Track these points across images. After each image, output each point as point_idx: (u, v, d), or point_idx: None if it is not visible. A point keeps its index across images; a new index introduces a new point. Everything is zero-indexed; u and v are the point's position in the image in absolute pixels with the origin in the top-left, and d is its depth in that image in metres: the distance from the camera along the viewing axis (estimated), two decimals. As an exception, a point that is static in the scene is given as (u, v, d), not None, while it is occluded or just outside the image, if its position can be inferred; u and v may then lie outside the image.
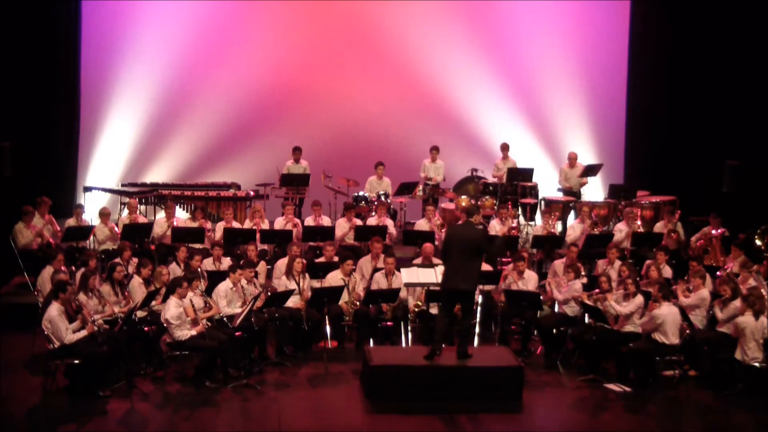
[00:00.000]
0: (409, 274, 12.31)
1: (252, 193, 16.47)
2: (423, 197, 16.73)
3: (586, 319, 12.25)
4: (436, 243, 14.13)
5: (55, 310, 10.57)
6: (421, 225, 14.96)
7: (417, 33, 18.35)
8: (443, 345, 11.16)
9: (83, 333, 10.65)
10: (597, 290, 11.98)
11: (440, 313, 11.32)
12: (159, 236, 14.54)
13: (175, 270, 12.66)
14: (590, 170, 17.13)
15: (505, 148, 17.50)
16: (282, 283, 12.51)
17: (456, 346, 11.25)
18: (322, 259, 13.34)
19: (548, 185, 17.68)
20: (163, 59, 17.82)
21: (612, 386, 11.43)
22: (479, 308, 12.67)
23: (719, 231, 14.59)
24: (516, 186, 16.75)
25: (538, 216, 16.68)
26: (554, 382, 11.74)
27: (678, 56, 18.17)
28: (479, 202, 16.40)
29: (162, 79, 17.87)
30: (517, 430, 10.40)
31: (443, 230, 14.67)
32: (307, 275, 12.64)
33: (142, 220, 14.99)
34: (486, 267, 13.24)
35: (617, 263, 13.03)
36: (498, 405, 10.79)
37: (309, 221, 14.80)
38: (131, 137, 17.92)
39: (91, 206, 16.05)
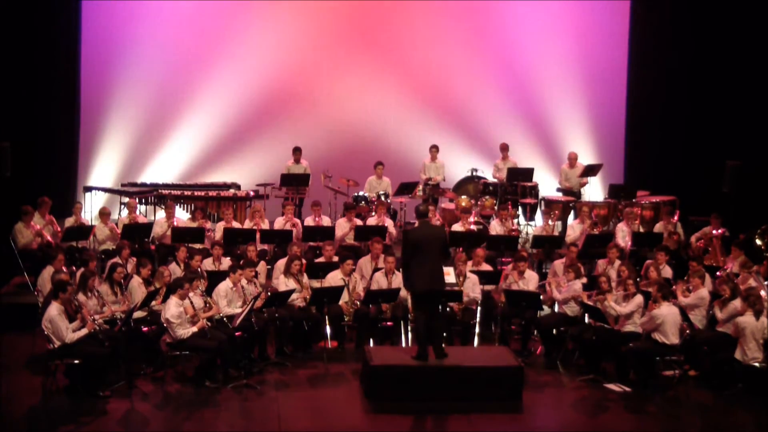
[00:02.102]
0: (409, 274, 12.31)
1: (252, 193, 16.46)
2: (423, 197, 16.73)
3: (586, 319, 12.25)
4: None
5: (55, 309, 10.57)
6: (421, 225, 14.93)
7: (417, 33, 18.36)
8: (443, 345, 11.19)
9: (84, 331, 10.65)
10: (596, 291, 11.97)
11: (420, 315, 11.10)
12: (159, 236, 14.55)
13: (175, 270, 12.66)
14: (590, 170, 17.13)
15: (505, 148, 17.50)
16: (281, 282, 12.51)
17: (439, 346, 11.14)
18: (321, 259, 13.34)
19: (548, 185, 17.68)
20: (163, 59, 17.81)
21: (612, 386, 11.43)
22: (479, 308, 12.68)
23: (719, 231, 14.60)
24: (516, 186, 16.75)
25: (538, 216, 16.69)
26: (554, 382, 11.74)
27: (678, 56, 18.17)
28: (479, 202, 16.42)
29: (162, 79, 17.86)
30: (517, 430, 10.40)
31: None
32: (305, 275, 12.63)
33: (142, 220, 14.99)
34: (486, 267, 13.30)
35: (617, 263, 13.03)
36: (498, 405, 10.78)
37: (309, 221, 14.80)
38: (131, 137, 17.91)
39: (91, 206, 16.05)
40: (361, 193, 16.39)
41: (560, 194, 17.17)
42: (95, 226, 14.48)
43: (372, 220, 15.12)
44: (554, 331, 12.43)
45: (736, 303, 11.54)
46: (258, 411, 10.59)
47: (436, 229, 11.41)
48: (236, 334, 11.37)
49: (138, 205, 15.42)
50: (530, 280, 12.85)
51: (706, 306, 12.02)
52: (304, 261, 12.82)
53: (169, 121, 18.01)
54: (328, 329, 12.27)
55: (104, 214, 14.49)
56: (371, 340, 12.40)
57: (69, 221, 14.42)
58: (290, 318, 12.19)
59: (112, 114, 17.84)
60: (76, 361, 10.61)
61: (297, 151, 17.01)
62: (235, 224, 14.84)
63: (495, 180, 17.24)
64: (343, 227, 14.73)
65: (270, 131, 18.16)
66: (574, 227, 15.06)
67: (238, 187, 16.73)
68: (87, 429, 10.00)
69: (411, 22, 18.35)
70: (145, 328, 11.62)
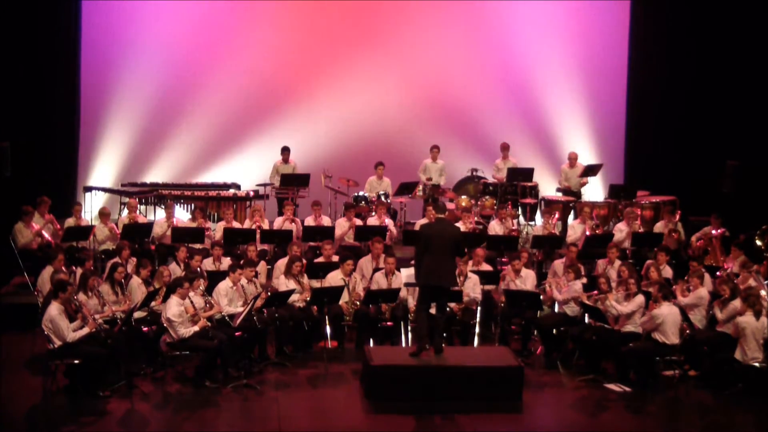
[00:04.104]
0: (409, 274, 12.32)
1: (252, 193, 16.47)
2: (423, 197, 16.73)
3: (586, 319, 12.25)
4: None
5: (55, 309, 10.57)
6: (421, 225, 14.95)
7: (417, 33, 18.35)
8: (443, 344, 11.22)
9: (85, 330, 10.67)
10: (596, 291, 11.97)
11: (421, 310, 11.17)
12: (159, 236, 14.55)
13: (175, 270, 12.66)
14: (590, 170, 17.13)
15: (505, 148, 17.50)
16: (281, 282, 12.51)
17: (439, 341, 11.19)
18: (321, 259, 13.34)
19: (548, 185, 17.68)
20: (162, 59, 17.80)
21: (612, 386, 11.43)
22: (479, 308, 12.68)
23: (719, 231, 14.60)
24: (516, 186, 16.75)
25: (538, 216, 16.69)
26: (554, 382, 11.74)
27: (678, 56, 18.17)
28: (479, 202, 16.42)
29: (162, 79, 17.85)
30: (517, 430, 10.40)
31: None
32: (305, 276, 12.63)
33: (142, 220, 14.99)
34: (486, 267, 13.31)
35: (617, 263, 13.03)
36: (498, 405, 10.78)
37: (309, 221, 14.81)
38: (131, 137, 17.91)
39: (91, 206, 16.06)
40: (361, 193, 16.39)
41: (560, 194, 17.16)
42: (95, 226, 14.48)
43: (372, 220, 15.12)
44: (554, 331, 12.43)
45: (736, 303, 11.54)
46: (258, 411, 10.59)
47: (450, 227, 11.41)
48: (236, 334, 11.37)
49: (138, 205, 15.41)
50: (527, 278, 12.86)
51: (705, 306, 12.03)
52: (304, 261, 12.82)
53: (169, 121, 18.00)
54: (328, 329, 12.27)
55: (104, 214, 14.48)
56: (371, 340, 12.40)
57: (69, 222, 14.42)
58: (290, 318, 12.19)
59: (112, 114, 17.83)
60: (76, 361, 10.61)
61: (285, 151, 17.02)
62: (235, 224, 14.84)
63: (495, 180, 17.24)
64: (342, 227, 14.74)
65: (270, 131, 18.15)
66: (575, 227, 15.06)
67: (238, 187, 16.73)
68: (87, 429, 10.00)
69: (411, 22, 18.33)
70: (145, 328, 11.63)
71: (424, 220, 15.00)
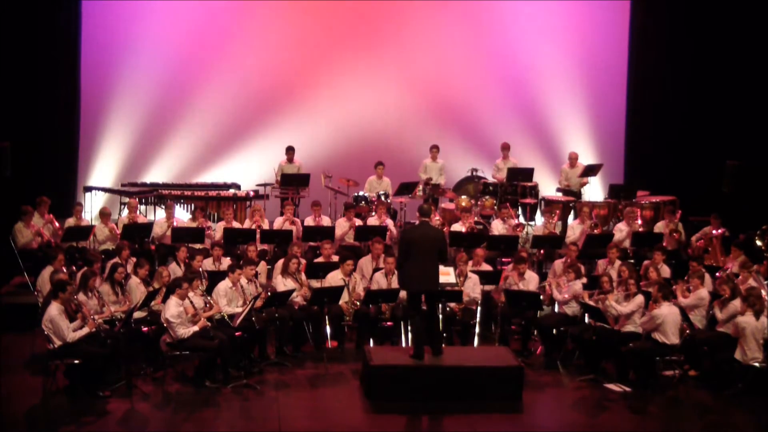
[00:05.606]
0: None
1: (252, 193, 16.47)
2: (423, 197, 16.73)
3: (586, 319, 12.25)
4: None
5: (55, 309, 10.57)
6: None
7: (417, 33, 18.36)
8: (443, 345, 11.23)
9: (85, 330, 10.66)
10: (597, 290, 11.97)
11: (415, 314, 11.12)
12: (159, 236, 14.55)
13: (175, 270, 12.66)
14: (590, 170, 17.13)
15: (505, 148, 17.50)
16: (279, 282, 12.51)
17: (437, 344, 11.18)
18: (321, 259, 13.34)
19: (548, 185, 17.68)
20: (163, 59, 17.81)
21: (612, 386, 11.43)
22: (479, 308, 12.68)
23: (719, 231, 14.60)
24: (516, 186, 16.75)
25: (538, 216, 16.69)
26: (554, 382, 11.74)
27: (678, 56, 18.18)
28: (479, 202, 16.42)
29: (162, 79, 17.86)
30: (517, 430, 10.41)
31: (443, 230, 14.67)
32: (303, 273, 12.63)
33: (142, 220, 14.99)
34: (486, 267, 13.30)
35: (617, 263, 13.02)
36: (498, 405, 10.79)
37: (309, 221, 14.81)
38: (131, 137, 17.91)
39: (91, 206, 16.06)
40: (361, 193, 16.39)
41: (560, 194, 17.17)
42: (95, 226, 14.49)
43: (372, 220, 15.12)
44: (554, 331, 12.42)
45: (736, 303, 11.54)
46: (258, 411, 10.59)
47: (434, 231, 11.38)
48: (236, 334, 11.37)
49: (138, 205, 15.41)
50: (530, 281, 12.84)
51: (706, 306, 12.03)
52: (303, 261, 12.82)
53: (169, 121, 18.01)
54: (328, 329, 12.27)
55: (105, 214, 14.49)
56: (371, 340, 12.41)
57: (69, 222, 14.42)
58: (290, 318, 12.19)
59: (112, 114, 17.84)
60: (76, 361, 10.61)
61: (290, 151, 17.02)
62: (235, 224, 14.84)
63: (495, 180, 17.24)
64: (342, 227, 14.74)
65: (270, 131, 18.16)
66: (574, 227, 15.06)
67: (238, 187, 16.73)
68: (87, 429, 10.00)
69: (411, 22, 18.34)
70: (145, 328, 11.62)
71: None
